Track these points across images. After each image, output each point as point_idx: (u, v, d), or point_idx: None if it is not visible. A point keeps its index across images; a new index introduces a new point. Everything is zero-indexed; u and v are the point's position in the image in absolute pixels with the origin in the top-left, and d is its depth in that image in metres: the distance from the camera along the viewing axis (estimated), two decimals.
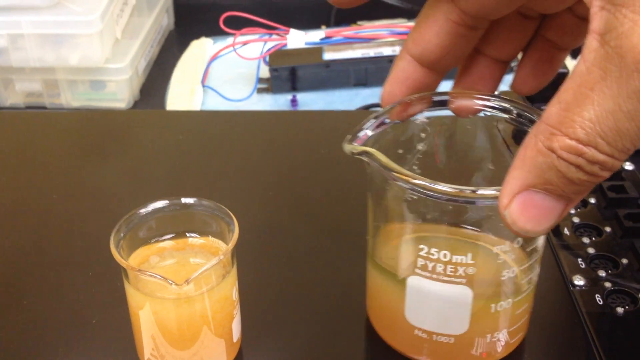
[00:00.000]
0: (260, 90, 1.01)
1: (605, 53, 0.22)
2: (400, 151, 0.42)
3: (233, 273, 0.40)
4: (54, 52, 1.02)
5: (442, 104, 0.35)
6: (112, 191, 0.59)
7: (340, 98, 1.01)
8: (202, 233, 0.42)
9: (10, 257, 0.51)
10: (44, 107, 1.08)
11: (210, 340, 0.40)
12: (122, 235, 0.40)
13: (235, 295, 0.40)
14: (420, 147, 0.42)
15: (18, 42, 1.01)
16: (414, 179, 0.35)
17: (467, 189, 0.34)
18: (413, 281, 0.39)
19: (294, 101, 0.97)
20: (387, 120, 0.36)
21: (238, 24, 1.02)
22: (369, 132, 0.36)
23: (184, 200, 0.42)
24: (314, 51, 1.01)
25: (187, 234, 0.42)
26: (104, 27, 1.02)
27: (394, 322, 0.42)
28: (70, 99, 1.07)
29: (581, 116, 0.23)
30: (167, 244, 0.42)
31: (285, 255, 0.51)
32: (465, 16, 0.30)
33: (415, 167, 0.42)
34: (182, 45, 1.19)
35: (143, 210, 0.41)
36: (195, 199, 0.41)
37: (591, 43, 0.23)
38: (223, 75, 1.05)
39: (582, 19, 0.33)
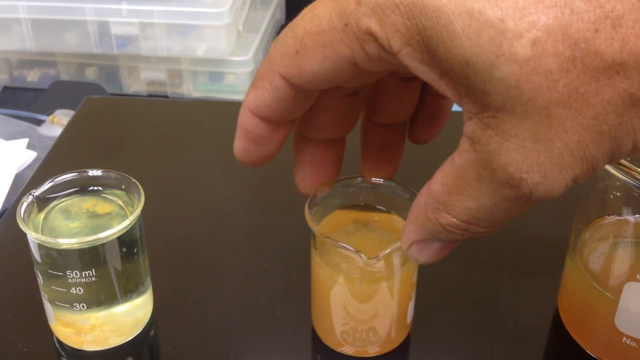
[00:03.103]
0: None
1: (476, 159, 0.24)
2: None
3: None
4: (181, 42, 1.03)
5: None
6: (262, 180, 0.58)
7: None
8: (388, 211, 0.41)
9: (184, 244, 0.51)
10: (166, 96, 1.10)
11: (385, 317, 0.40)
12: (314, 205, 0.39)
13: (415, 278, 0.40)
14: None
15: (148, 30, 1.03)
16: None
17: None
18: (632, 287, 0.37)
19: None
20: None
21: None
22: None
23: (374, 179, 0.41)
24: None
25: (372, 211, 0.42)
26: (231, 20, 1.03)
27: (597, 327, 0.40)
28: (192, 89, 1.09)
29: (462, 204, 0.25)
30: (351, 218, 0.42)
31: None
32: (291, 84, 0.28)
33: None
34: None
35: (333, 184, 0.41)
36: (383, 180, 0.40)
37: (464, 144, 0.24)
38: None
39: None
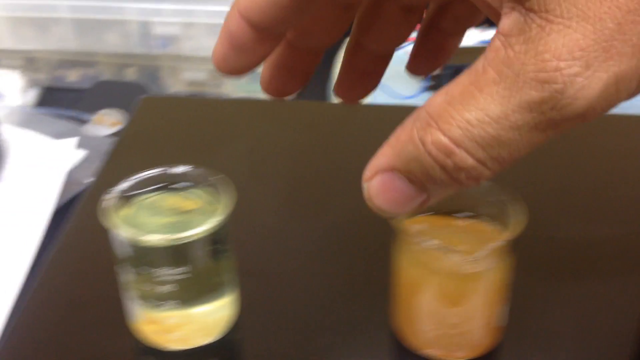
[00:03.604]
0: (430, 88, 0.99)
1: (506, 55, 0.21)
2: None
3: (509, 260, 0.38)
4: None
5: None
6: (340, 178, 0.57)
7: None
8: (474, 214, 0.40)
9: (261, 244, 0.50)
10: (207, 97, 1.09)
11: (476, 321, 0.38)
12: None
13: (508, 280, 0.39)
14: None
15: (190, 30, 1.03)
16: None
17: None
18: None
19: None
20: None
21: None
22: None
23: None
24: (484, 50, 0.99)
25: (457, 213, 0.40)
26: None
27: None
28: (232, 89, 1.08)
29: (461, 115, 0.21)
30: (435, 218, 0.41)
31: (566, 254, 0.48)
32: None
33: None
34: None
35: None
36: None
37: (495, 42, 0.21)
38: (390, 70, 1.03)
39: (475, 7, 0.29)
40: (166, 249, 0.36)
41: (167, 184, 0.39)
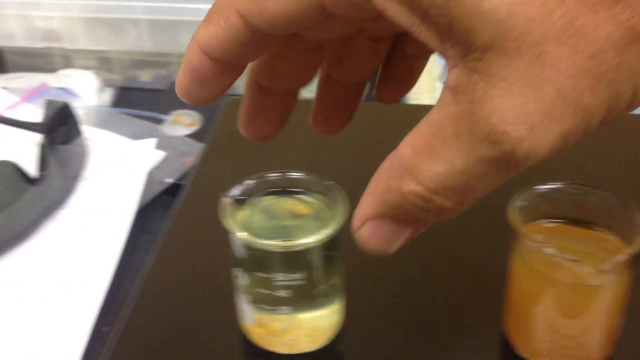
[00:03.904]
0: None
1: (457, 111, 0.21)
2: None
3: (631, 273, 0.37)
4: None
5: None
6: None
7: None
8: (596, 224, 0.39)
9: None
10: None
11: (595, 333, 0.38)
12: (518, 207, 0.38)
13: (627, 294, 0.38)
14: None
15: None
16: None
17: None
18: None
19: None
20: None
21: None
22: None
23: (585, 186, 0.39)
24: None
25: (577, 221, 0.40)
26: None
27: None
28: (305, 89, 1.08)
29: (431, 168, 0.22)
30: (553, 227, 0.40)
31: None
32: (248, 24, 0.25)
33: None
34: None
35: (541, 188, 0.39)
36: (599, 189, 0.39)
37: (445, 96, 0.22)
38: None
39: None
40: (283, 254, 0.36)
41: (284, 187, 0.39)
